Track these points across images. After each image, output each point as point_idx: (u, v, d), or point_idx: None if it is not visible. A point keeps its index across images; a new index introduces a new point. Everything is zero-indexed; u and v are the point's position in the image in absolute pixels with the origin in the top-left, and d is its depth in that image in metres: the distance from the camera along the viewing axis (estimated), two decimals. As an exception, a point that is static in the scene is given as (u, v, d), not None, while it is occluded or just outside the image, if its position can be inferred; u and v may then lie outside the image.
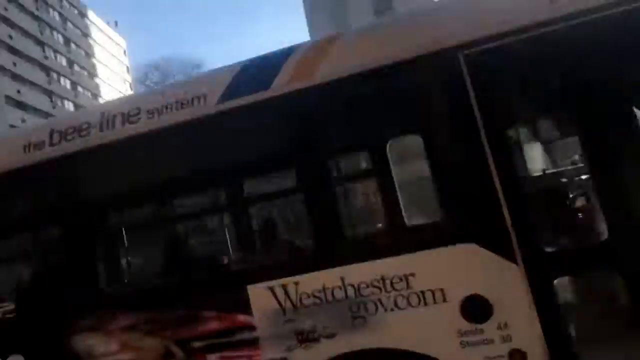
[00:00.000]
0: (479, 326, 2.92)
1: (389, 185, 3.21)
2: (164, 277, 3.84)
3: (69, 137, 3.64)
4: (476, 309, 2.92)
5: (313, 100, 3.30)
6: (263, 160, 3.37)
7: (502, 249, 2.90)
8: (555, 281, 2.92)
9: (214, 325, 3.29)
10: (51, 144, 3.68)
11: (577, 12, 2.85)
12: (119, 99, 3.62)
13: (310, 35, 40.19)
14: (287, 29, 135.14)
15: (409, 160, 3.49)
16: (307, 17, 44.99)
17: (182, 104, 3.44)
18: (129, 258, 3.93)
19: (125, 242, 3.75)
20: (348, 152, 3.61)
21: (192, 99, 3.41)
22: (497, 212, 2.91)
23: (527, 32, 2.93)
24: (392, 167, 3.20)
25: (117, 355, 3.42)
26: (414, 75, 3.16)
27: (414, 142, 3.21)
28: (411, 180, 3.41)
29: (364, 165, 3.68)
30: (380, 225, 3.59)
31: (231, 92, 3.38)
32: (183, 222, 4.04)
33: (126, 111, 3.57)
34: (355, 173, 3.77)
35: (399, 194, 3.17)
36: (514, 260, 2.89)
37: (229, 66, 3.69)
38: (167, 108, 3.48)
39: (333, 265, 3.14)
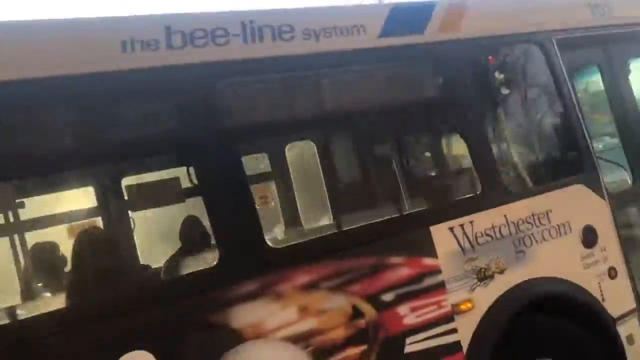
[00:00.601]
0: (590, 251, 3.67)
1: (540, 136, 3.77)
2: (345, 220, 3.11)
3: (197, 43, 2.67)
4: (589, 236, 3.67)
5: (461, 52, 3.50)
6: (423, 102, 3.30)
7: (596, 188, 3.77)
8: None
9: (402, 272, 2.94)
10: (170, 47, 2.64)
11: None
12: (261, 10, 2.63)
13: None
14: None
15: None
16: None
17: (341, 30, 3.02)
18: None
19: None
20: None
21: (352, 28, 3.04)
22: (593, 162, 3.82)
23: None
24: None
25: (295, 326, 2.58)
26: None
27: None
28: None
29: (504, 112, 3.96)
30: (530, 168, 3.90)
31: (389, 29, 3.18)
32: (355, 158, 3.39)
33: (277, 25, 2.88)
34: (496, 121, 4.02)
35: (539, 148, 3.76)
36: (604, 197, 3.78)
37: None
38: (325, 31, 2.99)
39: (499, 204, 3.38)
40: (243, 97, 3.00)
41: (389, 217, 3.32)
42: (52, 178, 3.22)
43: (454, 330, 3.06)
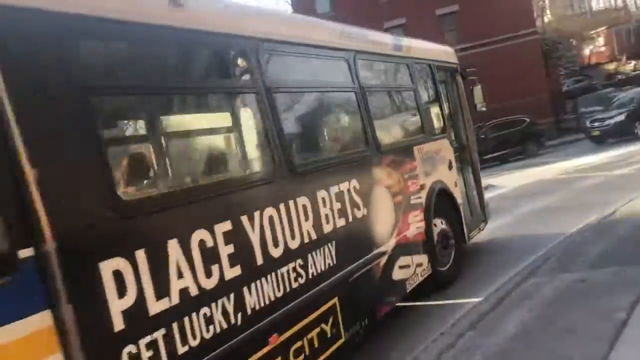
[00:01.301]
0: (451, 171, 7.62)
1: None
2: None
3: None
4: (450, 164, 7.54)
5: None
6: None
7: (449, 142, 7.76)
8: None
9: (409, 165, 6.36)
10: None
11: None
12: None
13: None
14: None
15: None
16: None
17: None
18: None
19: None
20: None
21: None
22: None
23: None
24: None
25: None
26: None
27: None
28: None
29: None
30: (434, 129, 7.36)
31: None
32: None
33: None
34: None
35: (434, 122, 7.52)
36: (452, 146, 7.82)
37: None
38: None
39: (428, 142, 6.94)
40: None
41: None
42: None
43: (421, 196, 6.56)
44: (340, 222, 4.65)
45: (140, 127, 4.84)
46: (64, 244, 2.44)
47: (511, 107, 25.28)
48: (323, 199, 4.47)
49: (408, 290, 5.74)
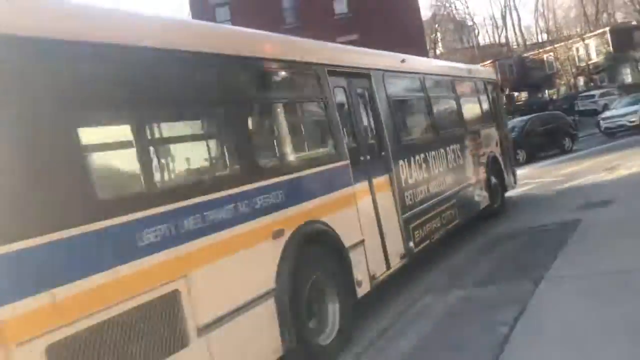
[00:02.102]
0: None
1: None
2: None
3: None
4: None
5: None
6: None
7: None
8: None
9: None
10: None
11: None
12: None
13: None
14: None
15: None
16: None
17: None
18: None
19: None
20: None
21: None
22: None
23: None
24: None
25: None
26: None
27: None
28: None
29: None
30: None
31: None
32: None
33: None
34: None
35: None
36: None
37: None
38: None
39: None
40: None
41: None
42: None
43: (484, 158, 10.27)
44: (453, 164, 8.74)
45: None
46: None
47: None
48: (445, 152, 8.50)
49: (481, 208, 9.72)
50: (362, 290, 5.48)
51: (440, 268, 7.51)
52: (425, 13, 62.30)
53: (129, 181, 3.59)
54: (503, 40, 69.87)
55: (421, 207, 7.20)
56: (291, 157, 5.20)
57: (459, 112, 9.78)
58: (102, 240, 3.02)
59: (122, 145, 3.54)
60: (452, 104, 9.72)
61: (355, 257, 5.40)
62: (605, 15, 57.90)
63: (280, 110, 5.28)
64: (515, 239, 8.36)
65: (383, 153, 6.61)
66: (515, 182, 12.21)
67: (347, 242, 5.30)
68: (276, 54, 5.27)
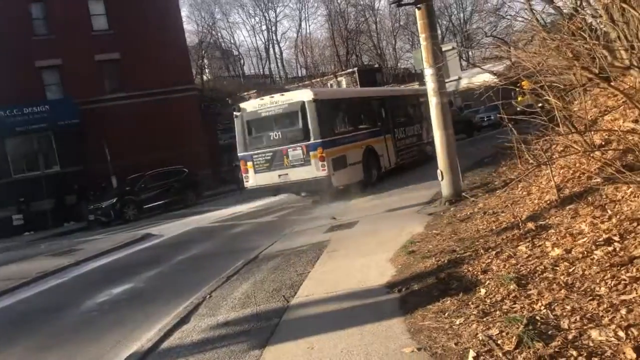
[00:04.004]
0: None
1: None
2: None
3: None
4: None
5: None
6: None
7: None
8: None
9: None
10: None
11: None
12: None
13: None
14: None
15: None
16: None
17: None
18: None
19: None
20: None
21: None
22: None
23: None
24: None
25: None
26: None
27: None
28: None
29: None
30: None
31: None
32: None
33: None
34: None
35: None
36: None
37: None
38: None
39: None
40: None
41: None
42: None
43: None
44: (414, 134, 20.38)
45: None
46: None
47: (172, 158, 25.95)
48: (413, 127, 20.38)
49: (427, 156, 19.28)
50: (383, 169, 17.45)
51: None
52: (192, 39, 62.25)
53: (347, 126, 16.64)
54: (267, 71, 73.43)
55: (401, 147, 18.91)
56: (369, 125, 17.56)
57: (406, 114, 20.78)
58: (352, 137, 16.13)
59: (354, 120, 17.08)
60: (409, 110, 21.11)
61: (381, 159, 17.37)
62: (354, 56, 64.71)
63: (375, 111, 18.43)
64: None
65: (390, 127, 18.05)
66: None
67: (379, 153, 17.29)
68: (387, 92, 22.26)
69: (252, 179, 15.38)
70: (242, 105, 16.08)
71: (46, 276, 11.71)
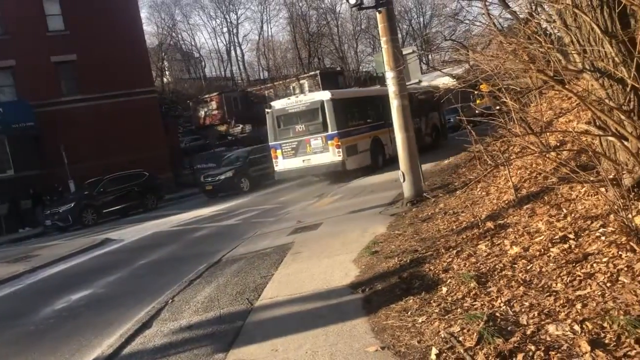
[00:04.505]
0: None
1: None
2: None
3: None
4: None
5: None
6: None
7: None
8: None
9: None
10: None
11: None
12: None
13: None
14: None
15: None
16: None
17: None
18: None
19: None
20: None
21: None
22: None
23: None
24: None
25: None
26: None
27: None
28: None
29: None
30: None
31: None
32: None
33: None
34: None
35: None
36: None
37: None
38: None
39: None
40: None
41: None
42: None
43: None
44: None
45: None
46: None
47: (133, 161, 25.52)
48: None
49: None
50: (387, 156, 19.40)
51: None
52: (152, 40, 61.43)
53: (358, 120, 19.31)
54: (229, 74, 72.93)
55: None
56: (376, 119, 19.72)
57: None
58: (362, 129, 18.95)
59: (363, 115, 19.84)
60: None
61: (385, 147, 19.57)
62: (316, 59, 64.94)
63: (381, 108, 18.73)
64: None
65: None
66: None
67: (384, 143, 19.60)
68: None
69: (281, 164, 18.62)
70: (272, 103, 19.43)
71: (0, 284, 11.30)
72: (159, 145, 30.38)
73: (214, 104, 54.95)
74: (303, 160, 17.93)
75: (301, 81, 54.44)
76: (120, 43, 29.21)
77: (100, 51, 28.37)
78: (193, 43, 79.25)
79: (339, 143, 17.18)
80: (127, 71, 29.48)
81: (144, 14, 72.03)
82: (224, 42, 78.96)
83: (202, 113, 55.88)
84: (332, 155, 17.28)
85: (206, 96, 56.56)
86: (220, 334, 5.40)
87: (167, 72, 68.75)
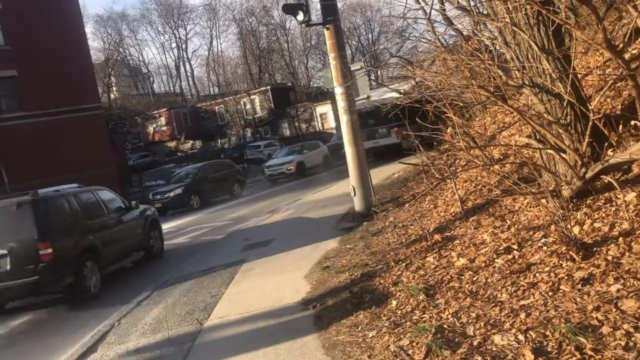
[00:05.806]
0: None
1: None
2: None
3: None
4: None
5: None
6: None
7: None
8: None
9: None
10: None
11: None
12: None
13: None
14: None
15: None
16: None
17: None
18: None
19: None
20: None
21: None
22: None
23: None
24: None
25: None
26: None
27: None
28: None
29: None
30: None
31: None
32: None
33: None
34: None
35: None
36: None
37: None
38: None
39: None
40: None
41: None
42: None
43: None
44: None
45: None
46: None
47: (79, 180, 23.59)
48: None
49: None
50: None
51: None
52: (99, 56, 60.14)
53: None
54: (178, 89, 72.12)
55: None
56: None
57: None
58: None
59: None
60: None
61: None
62: (267, 75, 65.01)
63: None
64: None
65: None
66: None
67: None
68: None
69: None
70: None
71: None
72: (106, 163, 29.29)
73: (163, 120, 54.12)
74: (374, 142, 22.83)
75: (252, 96, 54.38)
76: (64, 58, 28.32)
77: (43, 67, 27.41)
78: (141, 58, 78.08)
79: (397, 131, 22.09)
80: (71, 87, 28.37)
81: (89, 29, 70.39)
82: (173, 58, 78.10)
83: (151, 129, 54.95)
84: (394, 139, 22.48)
85: (155, 112, 55.64)
86: (168, 357, 5.32)
87: (114, 88, 67.34)
